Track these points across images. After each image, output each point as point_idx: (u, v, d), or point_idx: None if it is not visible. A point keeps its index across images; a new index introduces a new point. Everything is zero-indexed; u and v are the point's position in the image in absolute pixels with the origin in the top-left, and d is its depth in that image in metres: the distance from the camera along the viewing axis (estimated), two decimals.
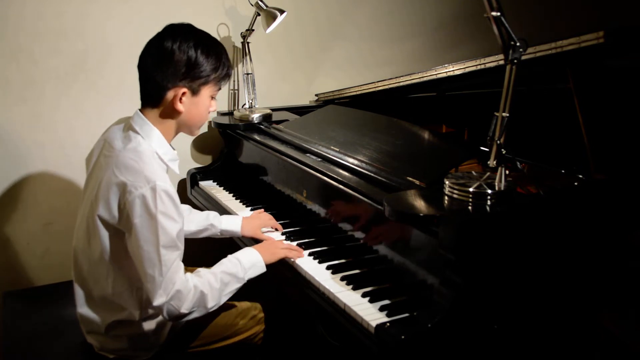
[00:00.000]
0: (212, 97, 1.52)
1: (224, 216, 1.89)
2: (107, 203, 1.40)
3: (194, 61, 1.42)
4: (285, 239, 1.77)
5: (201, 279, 1.44)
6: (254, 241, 1.81)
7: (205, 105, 1.51)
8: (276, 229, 1.87)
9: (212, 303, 1.45)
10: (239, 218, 1.88)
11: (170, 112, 1.46)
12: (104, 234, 1.44)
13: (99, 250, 1.45)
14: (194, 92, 1.46)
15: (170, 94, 1.44)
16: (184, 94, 1.44)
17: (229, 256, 1.57)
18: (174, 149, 1.52)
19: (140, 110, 1.49)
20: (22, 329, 1.75)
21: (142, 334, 1.54)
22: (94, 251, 1.47)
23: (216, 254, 1.63)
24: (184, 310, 1.40)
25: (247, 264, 1.55)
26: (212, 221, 1.85)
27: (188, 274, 1.44)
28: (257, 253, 1.58)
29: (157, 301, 1.37)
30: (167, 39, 1.42)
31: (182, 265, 1.42)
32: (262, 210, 1.97)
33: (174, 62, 1.41)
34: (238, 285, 1.52)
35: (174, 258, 1.38)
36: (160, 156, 1.46)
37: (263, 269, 1.58)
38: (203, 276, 1.46)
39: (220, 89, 1.53)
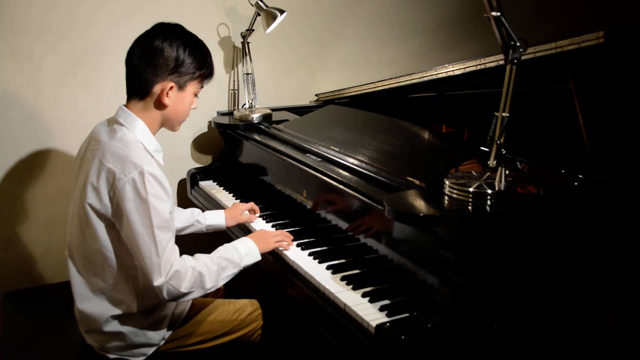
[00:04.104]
0: (195, 95, 1.60)
1: (208, 212, 1.97)
2: (97, 191, 1.43)
3: (182, 58, 1.50)
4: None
5: (198, 261, 1.49)
6: (244, 233, 1.87)
7: (189, 102, 1.58)
8: (256, 213, 1.98)
9: (210, 284, 1.49)
10: (221, 212, 1.96)
11: (156, 105, 1.53)
12: (96, 224, 1.46)
13: (93, 242, 1.48)
14: (181, 87, 1.53)
15: (157, 88, 1.50)
16: (171, 88, 1.51)
17: (225, 244, 1.62)
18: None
19: (124, 105, 1.54)
20: (22, 329, 1.75)
21: (141, 329, 1.55)
22: (87, 244, 1.49)
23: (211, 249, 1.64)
24: (183, 289, 1.43)
25: (243, 250, 1.60)
26: (197, 217, 1.93)
27: (185, 255, 1.49)
28: (252, 242, 1.64)
29: (157, 282, 1.41)
30: (157, 36, 1.49)
31: (177, 247, 1.47)
32: (239, 201, 2.10)
33: (164, 57, 1.48)
34: (235, 270, 1.57)
35: (168, 238, 1.43)
36: (145, 146, 1.50)
37: (258, 257, 1.64)
38: (200, 259, 1.51)
39: (202, 87, 1.61)
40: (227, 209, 1.99)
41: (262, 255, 1.65)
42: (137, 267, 1.49)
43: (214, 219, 1.94)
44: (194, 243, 1.98)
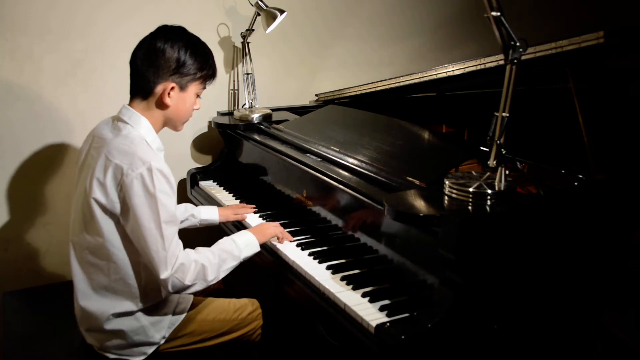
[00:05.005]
0: (198, 95, 1.63)
1: (201, 207, 2.02)
2: (103, 186, 1.44)
3: (184, 59, 1.53)
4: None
5: (200, 255, 1.53)
6: (238, 229, 1.91)
7: (191, 102, 1.61)
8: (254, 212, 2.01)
9: (212, 276, 1.52)
10: (215, 208, 2.02)
11: (158, 105, 1.56)
12: (101, 219, 1.47)
13: (97, 238, 1.49)
14: (182, 87, 1.56)
15: (159, 88, 1.53)
16: (172, 88, 1.54)
17: (225, 237, 1.65)
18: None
19: (127, 104, 1.56)
20: (22, 329, 1.75)
21: (142, 327, 1.56)
22: (91, 240, 1.50)
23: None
24: (187, 282, 1.47)
25: (242, 244, 1.63)
26: (191, 212, 1.97)
27: (188, 249, 1.52)
28: (251, 234, 1.68)
29: (163, 275, 1.44)
30: (160, 38, 1.53)
31: (180, 241, 1.49)
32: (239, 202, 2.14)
33: (165, 58, 1.51)
34: (235, 262, 1.60)
35: (173, 232, 1.46)
36: (149, 143, 1.52)
37: (257, 248, 1.67)
38: (202, 252, 1.55)
39: (205, 88, 1.63)
40: (221, 207, 2.04)
41: (262, 254, 1.66)
42: (140, 263, 1.50)
43: (208, 214, 1.99)
44: (193, 238, 1.99)
